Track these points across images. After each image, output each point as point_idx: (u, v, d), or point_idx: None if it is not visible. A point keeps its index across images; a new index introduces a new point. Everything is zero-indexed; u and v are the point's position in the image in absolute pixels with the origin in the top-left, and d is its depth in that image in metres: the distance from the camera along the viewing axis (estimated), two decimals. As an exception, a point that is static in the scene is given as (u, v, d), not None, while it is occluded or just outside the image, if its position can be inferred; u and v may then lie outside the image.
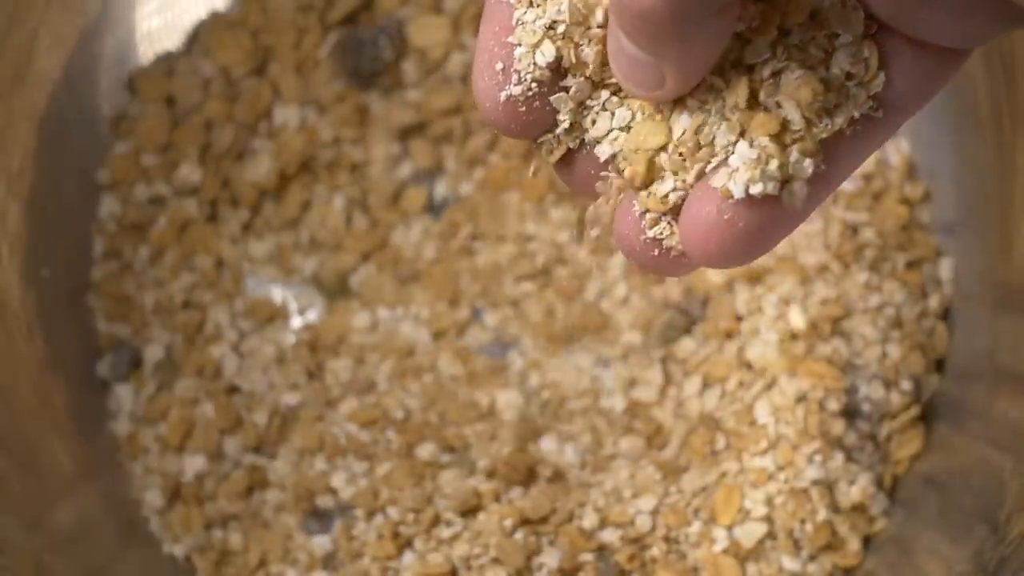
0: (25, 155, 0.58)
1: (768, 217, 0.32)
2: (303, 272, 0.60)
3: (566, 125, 0.34)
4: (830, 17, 0.32)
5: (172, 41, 0.62)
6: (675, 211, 0.34)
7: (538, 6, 0.33)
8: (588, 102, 0.34)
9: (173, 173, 0.60)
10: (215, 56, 0.61)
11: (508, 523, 0.53)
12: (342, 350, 0.59)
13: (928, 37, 0.31)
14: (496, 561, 0.52)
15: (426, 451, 0.56)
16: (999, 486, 0.51)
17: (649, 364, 0.57)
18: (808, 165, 0.32)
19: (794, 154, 0.32)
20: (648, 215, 0.34)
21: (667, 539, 0.53)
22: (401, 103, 0.61)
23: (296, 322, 0.60)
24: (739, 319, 0.57)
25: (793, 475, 0.53)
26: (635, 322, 0.58)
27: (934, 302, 0.57)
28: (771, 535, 0.53)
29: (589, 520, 0.53)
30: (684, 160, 0.33)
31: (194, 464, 0.57)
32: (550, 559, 0.52)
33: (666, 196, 0.33)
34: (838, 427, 0.54)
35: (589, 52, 0.33)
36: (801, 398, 0.54)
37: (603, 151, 0.34)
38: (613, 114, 0.34)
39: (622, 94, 0.34)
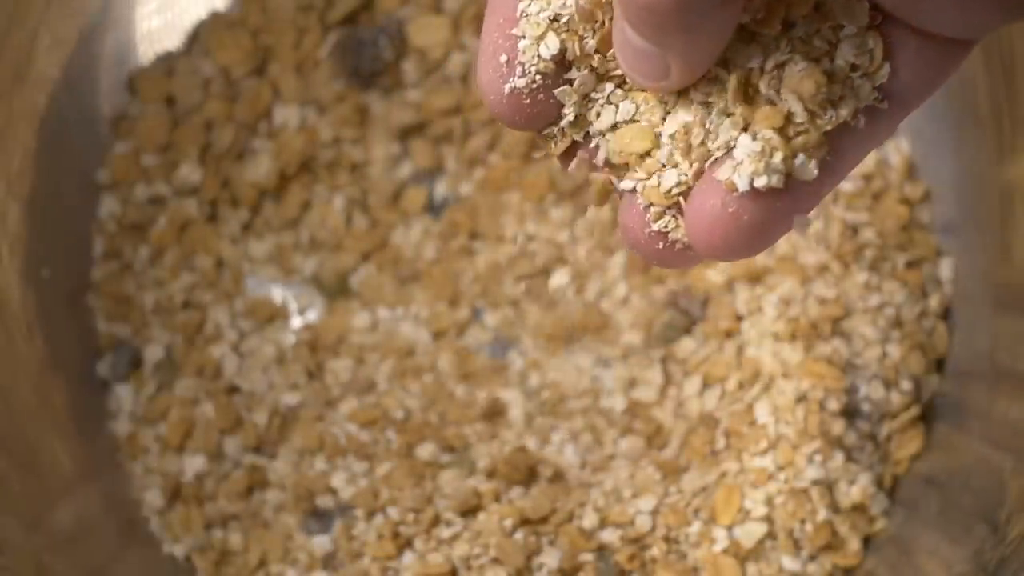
0: (25, 155, 0.58)
1: (773, 210, 0.32)
2: (303, 272, 0.60)
3: (571, 118, 0.34)
4: (835, 8, 0.32)
5: (172, 41, 0.62)
6: (679, 205, 0.34)
7: None
8: (592, 95, 0.34)
9: (173, 173, 0.60)
10: (215, 56, 0.61)
11: (508, 523, 0.53)
12: (342, 350, 0.59)
13: (932, 27, 0.31)
14: (496, 561, 0.52)
15: (426, 451, 0.56)
16: (999, 486, 0.51)
17: (649, 364, 0.57)
18: (812, 161, 0.32)
19: (799, 146, 0.32)
20: (652, 209, 0.34)
21: (667, 539, 0.53)
22: (401, 103, 0.61)
23: (296, 322, 0.60)
24: (739, 319, 0.57)
25: (793, 475, 0.53)
26: (635, 322, 0.58)
27: (934, 302, 0.57)
28: (771, 535, 0.53)
29: (589, 520, 0.53)
30: (687, 154, 0.33)
31: (194, 464, 0.57)
32: (550, 559, 0.52)
33: (670, 190, 0.34)
34: (838, 427, 0.54)
35: (593, 44, 0.33)
36: (801, 398, 0.54)
37: (599, 157, 0.34)
38: (617, 107, 0.34)
39: (626, 87, 0.34)
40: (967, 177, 0.57)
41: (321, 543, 0.55)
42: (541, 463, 0.55)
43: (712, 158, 0.33)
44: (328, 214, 0.61)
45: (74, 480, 0.56)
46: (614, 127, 0.34)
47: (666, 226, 0.34)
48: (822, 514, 0.53)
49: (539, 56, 0.33)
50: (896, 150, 0.59)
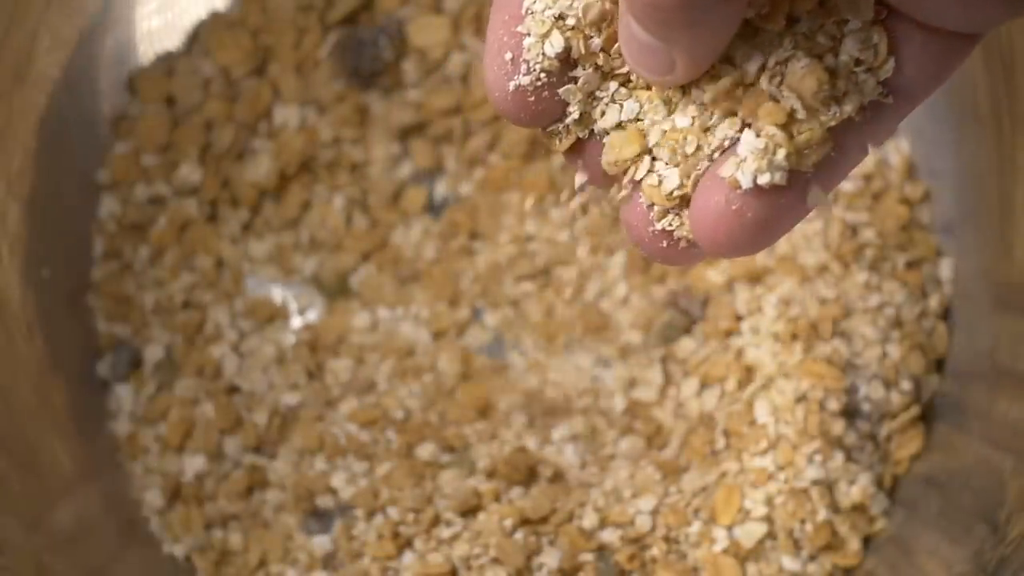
0: (25, 155, 0.58)
1: (776, 207, 0.32)
2: (303, 272, 0.60)
3: (576, 116, 0.35)
4: (840, 3, 0.32)
5: (172, 41, 0.62)
6: (683, 203, 0.34)
7: None
8: (597, 93, 0.34)
9: (173, 173, 0.60)
10: (215, 56, 0.61)
11: (508, 523, 0.53)
12: (342, 350, 0.59)
13: (937, 22, 0.31)
14: (496, 561, 0.52)
15: (426, 451, 0.56)
16: (999, 486, 0.51)
17: (649, 364, 0.57)
18: (816, 157, 0.32)
19: (802, 143, 0.32)
20: (655, 208, 0.34)
21: (667, 539, 0.53)
22: (401, 103, 0.61)
23: (296, 322, 0.60)
24: (739, 319, 0.57)
25: (793, 475, 0.53)
26: (635, 322, 0.58)
27: (934, 302, 0.57)
28: (771, 535, 0.53)
29: (589, 520, 0.53)
30: (683, 161, 0.33)
31: (194, 464, 0.57)
32: (550, 559, 0.52)
33: (671, 192, 0.34)
34: (838, 427, 0.54)
35: (599, 43, 0.33)
36: (801, 398, 0.54)
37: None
38: (622, 106, 0.34)
39: (631, 85, 0.34)
40: (967, 177, 0.57)
41: (321, 543, 0.55)
42: (541, 463, 0.55)
43: (711, 161, 0.33)
44: (328, 214, 0.61)
45: (74, 480, 0.56)
46: (619, 125, 0.34)
47: (670, 224, 0.34)
48: (822, 514, 0.53)
49: (544, 54, 0.33)
50: (896, 150, 0.59)
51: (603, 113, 0.34)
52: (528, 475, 0.55)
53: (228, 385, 0.58)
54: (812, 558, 0.53)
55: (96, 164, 0.61)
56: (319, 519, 0.56)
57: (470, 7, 0.61)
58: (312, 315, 0.60)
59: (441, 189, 0.61)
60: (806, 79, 0.32)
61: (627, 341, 0.58)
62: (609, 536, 0.53)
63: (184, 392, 0.58)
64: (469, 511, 0.54)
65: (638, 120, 0.34)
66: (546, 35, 0.33)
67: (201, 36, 0.62)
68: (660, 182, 0.34)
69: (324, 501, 0.55)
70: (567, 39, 0.33)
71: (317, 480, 0.56)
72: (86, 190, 0.60)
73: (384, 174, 0.61)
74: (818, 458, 0.53)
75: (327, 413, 0.58)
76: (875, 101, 0.33)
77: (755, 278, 0.57)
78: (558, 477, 0.55)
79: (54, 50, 0.59)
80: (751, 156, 0.32)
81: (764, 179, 0.32)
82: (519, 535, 0.53)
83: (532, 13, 0.33)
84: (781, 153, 0.32)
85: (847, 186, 0.58)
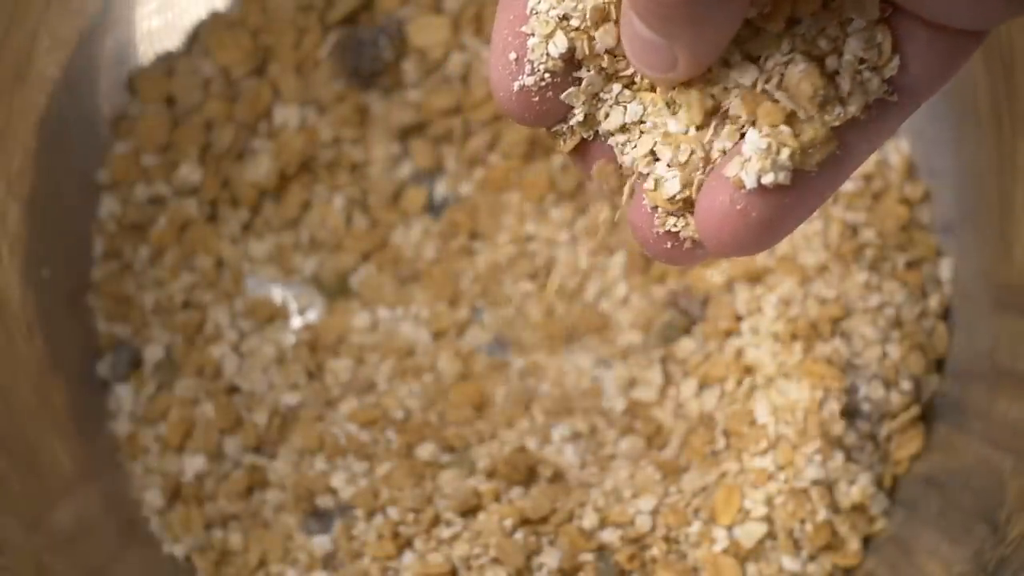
0: (25, 155, 0.58)
1: (781, 206, 0.32)
2: (303, 272, 0.60)
3: (580, 118, 0.35)
4: (845, 3, 0.32)
5: (172, 41, 0.62)
6: (686, 206, 0.34)
7: None
8: (601, 95, 0.34)
9: (173, 173, 0.60)
10: (215, 56, 0.61)
11: (508, 523, 0.53)
12: (342, 350, 0.59)
13: (942, 19, 0.31)
14: (496, 561, 0.52)
15: (426, 451, 0.56)
16: (999, 486, 0.51)
17: (649, 364, 0.57)
18: (820, 156, 0.32)
19: (806, 143, 0.32)
20: (659, 209, 0.34)
21: (667, 539, 0.53)
22: (401, 103, 0.61)
23: (296, 322, 0.60)
24: (739, 319, 0.57)
25: (793, 475, 0.53)
26: (635, 322, 0.58)
27: (934, 302, 0.57)
28: (771, 535, 0.53)
29: (589, 520, 0.53)
30: (681, 168, 0.33)
31: (194, 464, 0.57)
32: (550, 559, 0.52)
33: (672, 197, 0.34)
34: (838, 427, 0.54)
35: (602, 44, 0.33)
36: (801, 398, 0.54)
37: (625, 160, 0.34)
38: (625, 108, 0.34)
39: (635, 87, 0.34)
40: (967, 177, 0.57)
41: (321, 543, 0.55)
42: (541, 463, 0.55)
43: (710, 165, 0.33)
44: (328, 214, 0.61)
45: (74, 480, 0.56)
46: (623, 128, 0.35)
47: (674, 226, 0.34)
48: (822, 514, 0.53)
49: (548, 54, 0.34)
50: (896, 150, 0.59)
51: (607, 115, 0.34)
52: (528, 475, 0.55)
53: (228, 385, 0.58)
54: (812, 558, 0.53)
55: (96, 164, 0.61)
56: (319, 519, 0.56)
57: (470, 7, 0.61)
58: (312, 315, 0.60)
59: (441, 189, 0.61)
60: (802, 84, 0.32)
61: (627, 341, 0.58)
62: (609, 536, 0.53)
63: (184, 392, 0.58)
64: (469, 511, 0.54)
65: (641, 123, 0.34)
66: (550, 35, 0.33)
67: (201, 36, 0.62)
68: (661, 186, 0.34)
69: (324, 501, 0.55)
70: (571, 40, 0.33)
71: (317, 480, 0.56)
72: (86, 190, 0.60)
73: (384, 174, 0.61)
74: (818, 458, 0.53)
75: (327, 413, 0.58)
76: (880, 99, 0.33)
77: (755, 278, 0.57)
78: (558, 477, 0.55)
79: (54, 50, 0.59)
80: (755, 156, 0.32)
81: (768, 179, 0.32)
82: (519, 535, 0.53)
83: (536, 13, 0.33)
84: (785, 153, 0.32)
85: (847, 186, 0.58)
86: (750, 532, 0.53)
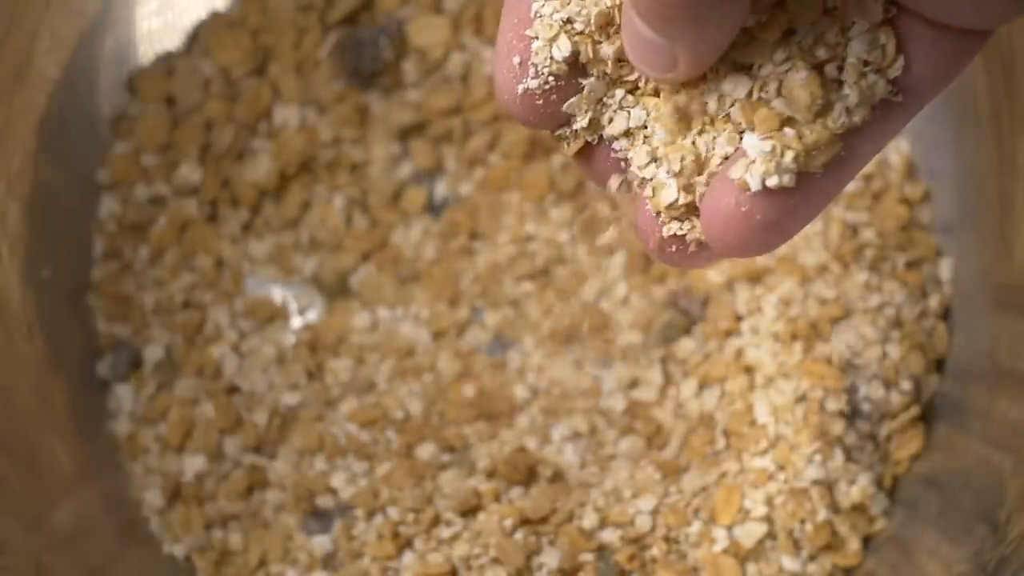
0: (25, 155, 0.58)
1: (786, 207, 0.32)
2: (303, 272, 0.60)
3: (584, 123, 0.35)
4: (848, 7, 0.32)
5: (172, 41, 0.62)
6: (689, 210, 0.34)
7: None
8: (605, 99, 0.34)
9: (173, 173, 0.60)
10: (215, 56, 0.61)
11: (508, 523, 0.53)
12: (342, 350, 0.59)
13: (947, 19, 0.31)
14: (496, 561, 0.52)
15: (426, 451, 0.56)
16: (999, 486, 0.51)
17: (649, 364, 0.57)
18: (824, 159, 0.32)
19: (811, 145, 0.32)
20: (663, 214, 0.34)
21: (667, 539, 0.53)
22: (401, 103, 0.61)
23: (296, 322, 0.60)
24: (739, 319, 0.57)
25: (793, 475, 0.53)
26: (635, 322, 0.58)
27: (934, 302, 0.57)
28: (771, 535, 0.53)
29: (589, 520, 0.53)
30: (677, 176, 0.33)
31: (194, 464, 0.57)
32: (550, 559, 0.52)
33: (671, 203, 0.34)
34: (838, 427, 0.54)
35: (607, 49, 0.33)
36: (801, 398, 0.54)
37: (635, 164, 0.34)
38: (629, 113, 0.34)
39: (638, 93, 0.34)
40: (967, 177, 0.57)
41: (321, 543, 0.55)
42: (541, 463, 0.55)
43: (707, 172, 0.33)
44: (328, 214, 0.61)
45: (74, 480, 0.56)
46: (626, 133, 0.35)
47: (680, 229, 0.34)
48: (822, 514, 0.53)
49: (551, 58, 0.34)
50: (896, 150, 0.59)
51: (611, 120, 0.34)
52: (528, 475, 0.55)
53: (228, 385, 0.58)
54: (812, 558, 0.53)
55: (96, 164, 0.60)
56: (319, 519, 0.56)
57: (470, 7, 0.61)
58: (312, 315, 0.60)
59: (441, 189, 0.61)
60: (800, 91, 0.32)
61: (627, 341, 0.58)
62: (609, 536, 0.53)
63: (184, 392, 0.58)
64: (469, 511, 0.54)
65: (644, 128, 0.34)
66: (554, 39, 0.33)
67: (201, 36, 0.62)
68: (659, 192, 0.34)
69: (324, 501, 0.55)
70: (575, 43, 0.33)
71: (317, 480, 0.56)
72: (86, 190, 0.60)
73: (384, 174, 0.61)
74: (818, 458, 0.53)
75: (327, 413, 0.58)
76: (884, 100, 0.33)
77: (755, 278, 0.57)
78: (558, 477, 0.55)
79: (54, 50, 0.59)
80: (759, 158, 0.32)
81: (772, 181, 0.32)
82: (519, 535, 0.53)
83: (540, 17, 0.33)
84: (789, 155, 0.32)
85: (847, 186, 0.58)
86: (750, 532, 0.53)
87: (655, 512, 0.54)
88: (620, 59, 0.34)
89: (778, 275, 0.57)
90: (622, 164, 0.35)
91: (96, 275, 0.60)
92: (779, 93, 0.32)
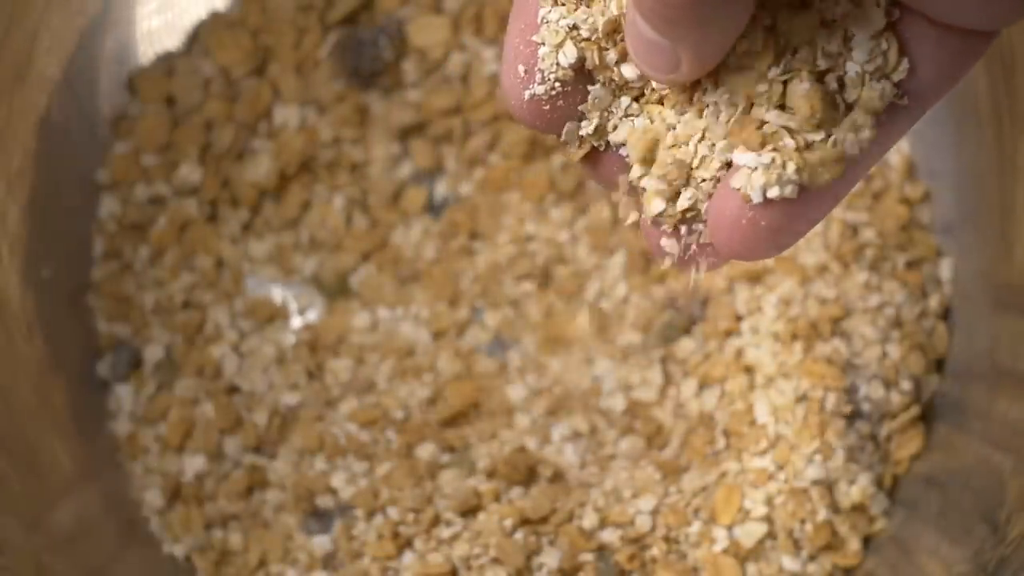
0: (25, 155, 0.58)
1: (790, 214, 0.32)
2: (303, 272, 0.60)
3: (590, 129, 0.35)
4: (849, 20, 0.32)
5: (172, 41, 0.62)
6: (691, 217, 0.34)
7: (562, 4, 0.33)
8: (611, 107, 0.34)
9: (173, 173, 0.60)
10: (215, 56, 0.61)
11: (508, 523, 0.53)
12: (342, 350, 0.59)
13: (952, 20, 0.31)
14: (496, 561, 0.52)
15: (426, 451, 0.56)
16: (999, 486, 0.51)
17: (649, 364, 0.57)
18: (829, 172, 0.32)
19: (815, 161, 0.32)
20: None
21: (667, 539, 0.53)
22: (401, 103, 0.61)
23: (296, 322, 0.60)
24: (739, 319, 0.57)
25: (793, 475, 0.53)
26: (635, 322, 0.58)
27: (934, 302, 0.57)
28: (771, 535, 0.53)
29: (589, 520, 0.53)
30: (666, 172, 0.33)
31: (194, 464, 0.57)
32: (550, 559, 0.52)
33: (660, 212, 0.34)
34: (838, 427, 0.54)
35: (614, 56, 0.33)
36: (801, 398, 0.54)
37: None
38: (633, 122, 0.34)
39: (643, 100, 0.34)
40: (967, 177, 0.57)
41: (321, 543, 0.55)
42: (541, 463, 0.55)
43: (698, 182, 0.33)
44: (328, 214, 0.61)
45: (74, 480, 0.56)
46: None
47: (684, 234, 0.34)
48: (822, 514, 0.53)
49: (557, 64, 0.34)
50: (896, 150, 0.59)
51: (616, 127, 0.35)
52: (528, 475, 0.55)
53: (228, 385, 0.58)
54: (812, 558, 0.53)
55: (96, 164, 0.60)
56: (319, 519, 0.56)
57: (470, 7, 0.61)
58: (312, 315, 0.60)
59: (441, 189, 0.61)
60: (800, 102, 0.32)
61: (627, 341, 0.58)
62: (609, 536, 0.53)
63: (184, 392, 0.58)
64: (469, 511, 0.54)
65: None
66: (560, 45, 0.33)
67: (201, 36, 0.62)
68: (650, 200, 0.34)
69: (324, 501, 0.55)
70: (580, 50, 0.33)
71: (317, 480, 0.56)
72: (86, 190, 0.60)
73: (384, 174, 0.61)
74: (818, 458, 0.53)
75: (327, 413, 0.58)
76: (890, 102, 0.32)
77: (755, 278, 0.57)
78: (558, 477, 0.55)
79: (54, 50, 0.59)
80: (760, 170, 0.32)
81: (773, 192, 0.32)
82: (519, 535, 0.53)
83: (547, 23, 0.33)
84: (791, 167, 0.32)
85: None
86: (750, 532, 0.53)
87: (655, 512, 0.54)
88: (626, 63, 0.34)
89: (778, 275, 0.57)
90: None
91: (96, 275, 0.60)
92: (781, 103, 0.32)
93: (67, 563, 0.53)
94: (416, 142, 0.61)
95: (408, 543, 0.54)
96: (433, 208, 0.61)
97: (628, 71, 0.33)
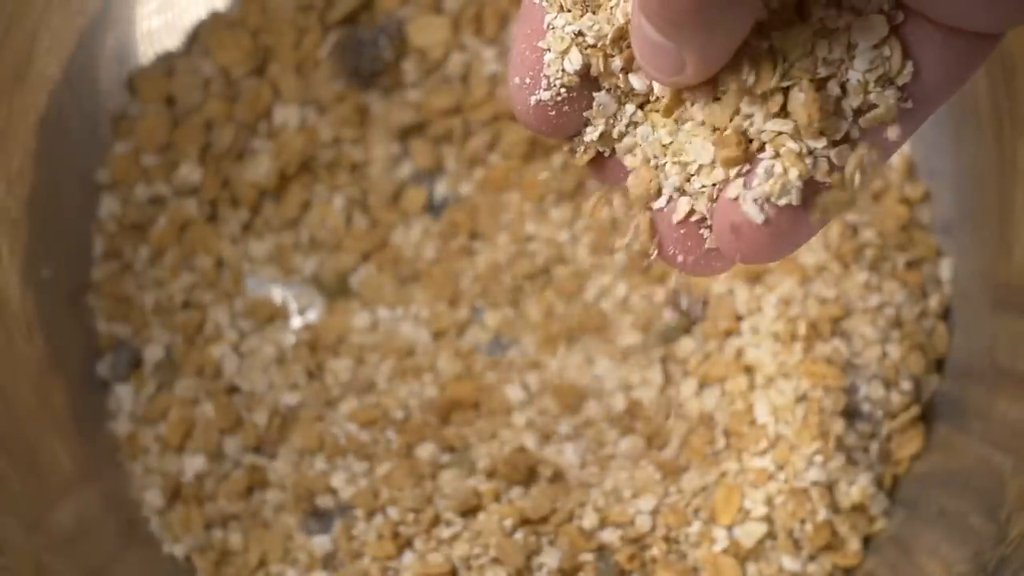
0: (25, 155, 0.58)
1: (794, 219, 0.32)
2: (303, 272, 0.60)
3: (595, 136, 0.35)
4: (853, 31, 0.32)
5: (172, 41, 0.62)
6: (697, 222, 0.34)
7: (568, 11, 0.33)
8: (617, 114, 0.35)
9: (173, 173, 0.60)
10: (215, 56, 0.61)
11: (508, 523, 0.53)
12: (342, 350, 0.59)
13: (957, 22, 0.31)
14: (496, 561, 0.52)
15: (426, 451, 0.56)
16: (999, 486, 0.51)
17: (649, 364, 0.57)
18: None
19: (823, 172, 0.32)
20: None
21: (667, 539, 0.53)
22: (401, 103, 0.61)
23: (296, 322, 0.60)
24: (739, 319, 0.57)
25: (793, 475, 0.53)
26: (635, 322, 0.58)
27: (934, 302, 0.57)
28: (771, 535, 0.53)
29: (589, 520, 0.53)
30: (649, 186, 0.34)
31: (194, 464, 0.57)
32: (550, 559, 0.52)
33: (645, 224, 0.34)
34: (838, 427, 0.54)
35: (619, 63, 0.33)
36: (801, 398, 0.54)
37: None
38: (637, 130, 0.34)
39: (647, 108, 0.34)
40: (967, 177, 0.58)
41: (321, 543, 0.55)
42: (541, 463, 0.55)
43: (692, 192, 0.33)
44: (328, 214, 0.61)
45: (74, 480, 0.56)
46: (633, 148, 0.35)
47: (692, 238, 0.35)
48: (822, 514, 0.53)
49: (563, 70, 0.34)
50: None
51: (621, 135, 0.35)
52: (528, 475, 0.55)
53: (228, 385, 0.58)
54: (812, 558, 0.53)
55: (96, 164, 0.60)
56: (319, 519, 0.56)
57: (470, 7, 0.61)
58: (312, 315, 0.60)
59: (441, 189, 0.61)
60: (799, 110, 0.32)
61: (627, 341, 0.58)
62: (609, 536, 0.53)
63: (184, 392, 0.58)
64: (469, 511, 0.54)
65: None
66: (565, 52, 0.33)
67: (201, 36, 0.62)
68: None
69: (324, 501, 0.55)
70: (586, 56, 0.33)
71: (317, 480, 0.56)
72: (86, 190, 0.60)
73: (384, 174, 0.61)
74: (818, 458, 0.53)
75: (327, 413, 0.58)
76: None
77: (755, 278, 0.57)
78: (558, 477, 0.55)
79: (54, 50, 0.59)
80: (762, 178, 0.32)
81: (781, 202, 0.32)
82: (519, 535, 0.53)
83: (553, 28, 0.33)
84: (794, 174, 0.32)
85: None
86: (750, 532, 0.53)
87: (655, 512, 0.54)
88: (632, 72, 0.34)
89: (778, 275, 0.57)
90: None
91: (96, 275, 0.60)
92: (783, 111, 0.32)
93: (67, 563, 0.53)
94: (416, 142, 0.61)
95: (408, 543, 0.54)
96: (433, 208, 0.61)
97: (634, 80, 0.33)
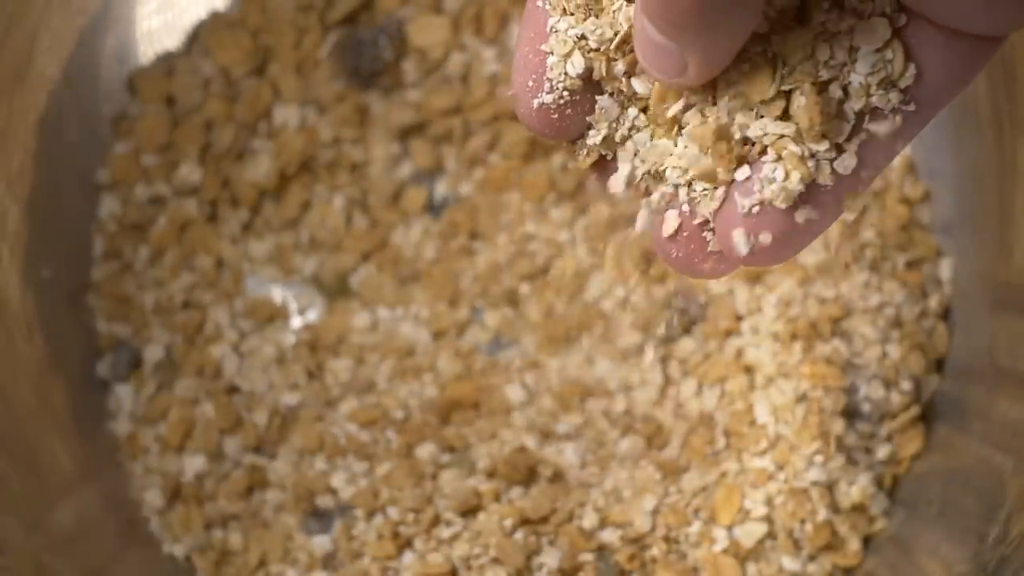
0: (25, 155, 0.58)
1: (794, 223, 0.32)
2: (303, 272, 0.60)
3: (598, 140, 0.35)
4: (854, 34, 0.32)
5: (172, 41, 0.62)
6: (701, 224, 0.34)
7: (571, 14, 0.33)
8: (620, 118, 0.35)
9: (173, 173, 0.60)
10: (215, 56, 0.61)
11: (508, 523, 0.53)
12: (342, 350, 0.59)
13: (959, 25, 0.31)
14: (496, 561, 0.52)
15: (426, 451, 0.56)
16: (999, 486, 0.51)
17: (649, 364, 0.57)
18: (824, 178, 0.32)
19: (824, 178, 0.32)
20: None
21: (667, 539, 0.53)
22: (401, 103, 0.61)
23: (296, 322, 0.60)
24: (739, 319, 0.57)
25: (793, 475, 0.53)
26: (635, 322, 0.58)
27: (934, 302, 0.57)
28: (771, 535, 0.53)
29: (589, 520, 0.53)
30: (647, 190, 0.34)
31: (194, 464, 0.57)
32: (550, 559, 0.52)
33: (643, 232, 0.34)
34: (838, 427, 0.54)
35: (622, 67, 0.33)
36: (801, 398, 0.54)
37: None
38: (638, 135, 0.34)
39: (650, 112, 0.34)
40: (967, 177, 0.58)
41: (321, 543, 0.55)
42: (541, 463, 0.55)
43: (685, 200, 0.34)
44: (328, 214, 0.61)
45: (74, 480, 0.56)
46: (636, 153, 0.35)
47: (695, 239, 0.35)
48: (822, 514, 0.53)
49: (566, 74, 0.34)
50: (896, 150, 0.59)
51: (623, 139, 0.35)
52: (528, 475, 0.55)
53: (228, 385, 0.58)
54: (812, 558, 0.53)
55: (96, 164, 0.60)
56: (319, 519, 0.56)
57: (470, 7, 0.61)
58: (312, 315, 0.60)
59: (441, 189, 0.61)
60: (800, 114, 0.32)
61: (627, 341, 0.58)
62: (609, 536, 0.53)
63: (184, 392, 0.58)
64: (469, 511, 0.54)
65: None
66: (568, 55, 0.33)
67: (201, 36, 0.62)
68: (641, 218, 0.34)
69: (324, 501, 0.55)
70: (588, 60, 0.33)
71: (317, 480, 0.56)
72: (86, 190, 0.60)
73: (384, 174, 0.61)
74: (818, 458, 0.53)
75: (327, 413, 0.58)
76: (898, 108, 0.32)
77: (755, 278, 0.57)
78: (558, 477, 0.55)
79: (54, 50, 0.59)
80: (764, 182, 0.32)
81: (782, 206, 0.32)
82: (519, 535, 0.53)
83: (556, 32, 0.34)
84: (795, 176, 0.32)
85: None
86: (750, 532, 0.53)
87: (655, 512, 0.54)
88: (634, 75, 0.34)
89: (778, 275, 0.57)
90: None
91: (96, 275, 0.60)
92: (785, 114, 0.32)
93: (67, 563, 0.53)
94: (416, 142, 0.61)
95: (408, 543, 0.54)
96: (433, 208, 0.61)
97: (636, 84, 0.33)
